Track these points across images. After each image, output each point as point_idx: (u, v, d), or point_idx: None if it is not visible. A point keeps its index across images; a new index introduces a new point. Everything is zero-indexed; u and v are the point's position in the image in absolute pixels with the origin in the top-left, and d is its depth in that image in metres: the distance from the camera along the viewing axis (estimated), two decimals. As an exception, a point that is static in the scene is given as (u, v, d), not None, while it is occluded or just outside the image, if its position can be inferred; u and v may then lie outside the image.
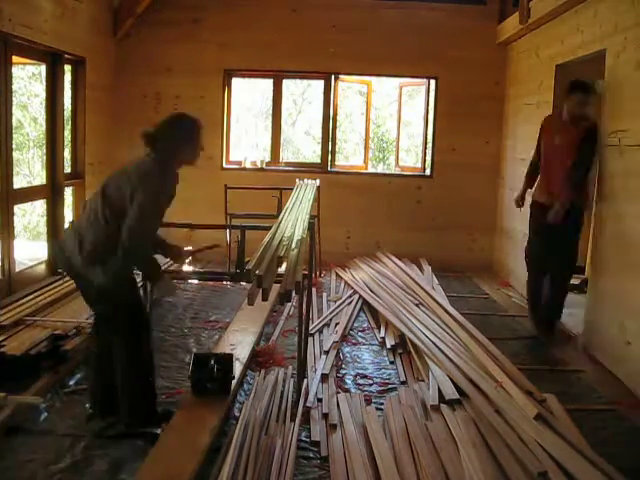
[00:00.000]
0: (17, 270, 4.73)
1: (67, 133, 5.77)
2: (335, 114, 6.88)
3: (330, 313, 4.75)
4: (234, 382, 3.23)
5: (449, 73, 6.51)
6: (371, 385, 3.52)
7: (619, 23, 3.87)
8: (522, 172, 4.75)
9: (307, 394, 3.22)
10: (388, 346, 4.07)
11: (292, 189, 4.75)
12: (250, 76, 6.94)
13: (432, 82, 6.66)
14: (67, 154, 5.74)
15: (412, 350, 3.92)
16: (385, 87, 10.41)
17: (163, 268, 3.21)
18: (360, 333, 4.46)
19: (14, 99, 5.05)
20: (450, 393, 3.21)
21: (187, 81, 6.51)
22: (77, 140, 5.74)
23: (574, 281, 5.84)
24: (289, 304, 4.76)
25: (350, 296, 5.23)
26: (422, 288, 5.13)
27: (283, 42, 6.47)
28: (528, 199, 4.61)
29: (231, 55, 6.49)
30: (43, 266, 5.15)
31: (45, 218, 5.45)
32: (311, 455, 2.72)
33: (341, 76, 6.78)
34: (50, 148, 5.24)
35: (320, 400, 3.18)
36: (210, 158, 6.31)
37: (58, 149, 5.25)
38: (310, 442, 2.81)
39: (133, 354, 2.79)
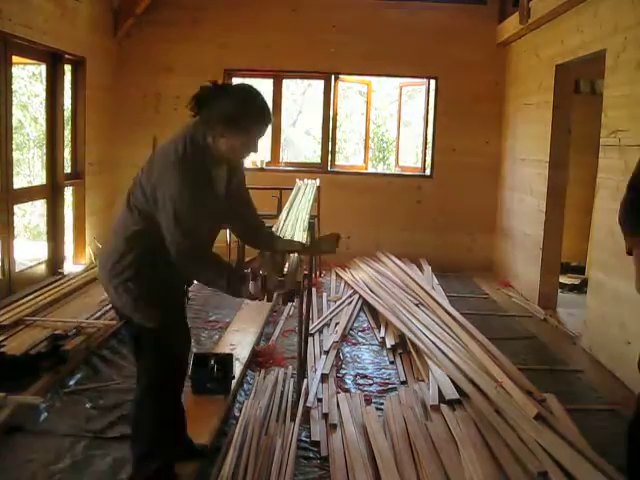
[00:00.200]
0: (17, 270, 4.73)
1: (67, 133, 5.77)
2: (335, 114, 6.88)
3: (330, 313, 4.75)
4: (234, 382, 3.24)
5: (449, 73, 6.51)
6: (371, 385, 3.52)
7: (619, 23, 3.87)
8: (522, 172, 4.67)
9: (307, 394, 3.22)
10: (388, 346, 4.07)
11: (292, 189, 4.76)
12: (250, 76, 6.92)
13: (432, 82, 6.66)
14: (67, 154, 5.74)
15: (412, 350, 3.92)
16: (385, 87, 10.42)
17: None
18: (360, 333, 4.46)
19: (14, 99, 5.06)
20: (450, 393, 3.21)
21: (187, 81, 6.34)
22: (77, 140, 5.74)
23: (574, 281, 5.87)
24: (289, 304, 4.76)
25: (350, 296, 5.22)
26: (422, 288, 5.13)
27: (283, 42, 6.47)
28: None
29: (231, 55, 6.48)
30: (43, 266, 5.16)
31: (45, 218, 5.46)
32: (311, 455, 2.72)
33: (341, 76, 6.77)
34: (50, 148, 5.25)
35: (320, 400, 3.18)
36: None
37: (58, 149, 5.25)
38: (310, 442, 2.80)
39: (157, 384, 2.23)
